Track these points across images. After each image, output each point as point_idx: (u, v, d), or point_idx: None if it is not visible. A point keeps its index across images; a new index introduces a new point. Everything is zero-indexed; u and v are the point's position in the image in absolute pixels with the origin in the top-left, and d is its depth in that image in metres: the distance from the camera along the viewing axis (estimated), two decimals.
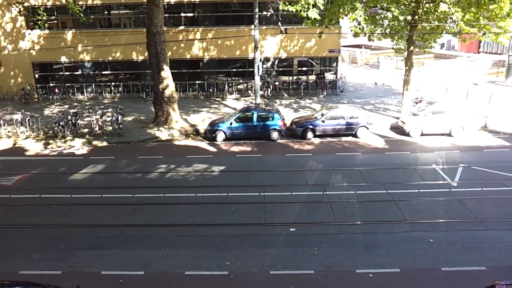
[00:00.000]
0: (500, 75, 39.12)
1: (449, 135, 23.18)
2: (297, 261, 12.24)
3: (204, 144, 23.09)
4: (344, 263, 12.10)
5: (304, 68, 34.49)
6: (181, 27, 32.64)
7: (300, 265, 12.04)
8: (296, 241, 13.33)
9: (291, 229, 14.00)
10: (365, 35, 25.62)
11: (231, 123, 23.05)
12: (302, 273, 11.68)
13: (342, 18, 25.58)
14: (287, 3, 24.21)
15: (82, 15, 24.29)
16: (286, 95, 33.26)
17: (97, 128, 24.16)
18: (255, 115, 23.20)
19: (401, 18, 23.28)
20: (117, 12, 33.50)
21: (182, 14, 32.79)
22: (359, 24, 24.24)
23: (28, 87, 32.43)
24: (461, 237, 13.32)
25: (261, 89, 30.21)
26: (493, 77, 39.50)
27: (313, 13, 22.87)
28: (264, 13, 32.16)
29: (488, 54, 49.57)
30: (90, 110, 27.68)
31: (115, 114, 24.99)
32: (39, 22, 25.83)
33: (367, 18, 23.30)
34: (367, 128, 23.47)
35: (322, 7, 23.30)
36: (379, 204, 15.62)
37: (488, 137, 23.32)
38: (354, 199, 16.05)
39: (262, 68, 30.40)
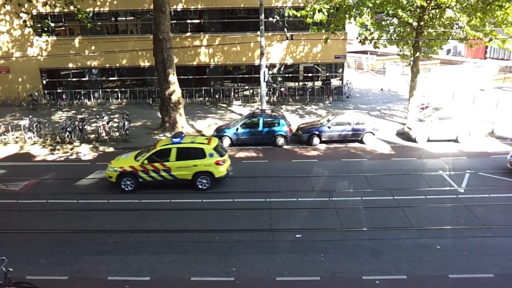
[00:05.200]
0: (507, 81, 38.96)
1: (456, 141, 23.07)
2: (303, 267, 12.20)
3: None
4: (351, 270, 12.05)
5: (310, 74, 34.52)
6: (188, 34, 32.82)
7: (306, 271, 12.00)
8: (302, 247, 13.30)
9: (297, 235, 13.97)
10: (370, 42, 25.59)
11: (237, 129, 23.09)
12: (308, 279, 11.64)
13: (350, 23, 25.62)
14: (292, 9, 24.30)
15: (90, 20, 24.47)
16: (292, 101, 33.29)
17: (104, 134, 24.29)
18: (261, 121, 23.22)
19: (410, 21, 23.23)
20: (124, 18, 33.75)
21: (189, 21, 32.98)
22: (367, 29, 24.26)
23: (36, 93, 32.71)
24: (468, 244, 13.23)
25: (267, 95, 30.26)
26: (500, 83, 39.28)
27: (319, 16, 22.90)
28: (270, 19, 32.28)
29: (495, 60, 49.40)
30: (97, 116, 27.82)
31: (122, 120, 25.13)
32: (45, 32, 26.17)
33: (373, 23, 23.32)
34: (373, 134, 23.41)
35: (327, 13, 23.34)
36: (386, 210, 15.56)
37: (495, 143, 23.18)
38: (360, 205, 16.00)
39: (268, 74, 30.48)
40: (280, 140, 23.10)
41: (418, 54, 24.88)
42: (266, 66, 27.58)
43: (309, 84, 34.31)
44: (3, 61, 32.71)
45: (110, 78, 34.20)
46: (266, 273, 11.97)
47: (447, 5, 21.67)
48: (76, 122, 24.74)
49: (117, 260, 12.74)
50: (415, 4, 22.09)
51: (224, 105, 32.42)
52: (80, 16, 23.37)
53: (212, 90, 33.52)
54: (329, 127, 23.18)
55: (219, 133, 23.34)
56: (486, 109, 25.77)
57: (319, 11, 22.92)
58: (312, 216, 15.27)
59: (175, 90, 25.22)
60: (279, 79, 34.22)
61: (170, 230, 14.46)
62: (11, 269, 10.13)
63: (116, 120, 26.80)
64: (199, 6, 32.11)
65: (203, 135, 18.52)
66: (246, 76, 34.05)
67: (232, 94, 33.49)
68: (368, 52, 52.59)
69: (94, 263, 12.61)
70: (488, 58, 52.10)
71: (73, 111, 30.97)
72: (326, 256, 12.72)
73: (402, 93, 35.47)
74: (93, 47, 32.51)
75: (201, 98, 33.56)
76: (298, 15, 23.56)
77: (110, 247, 13.50)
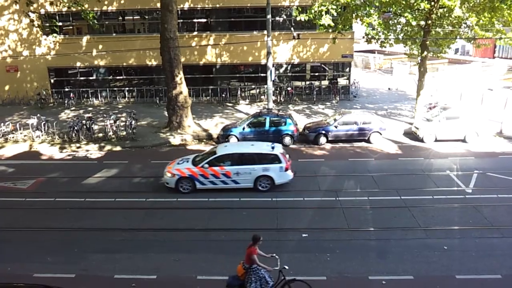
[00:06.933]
0: None
1: (464, 141, 22.92)
2: (310, 267, 12.18)
3: None
4: (357, 270, 12.02)
5: (317, 73, 34.42)
6: (195, 33, 32.85)
7: (312, 271, 11.98)
8: (308, 247, 13.29)
9: (304, 235, 13.96)
10: (377, 42, 25.46)
11: (243, 128, 23.09)
12: (314, 279, 11.58)
13: (356, 22, 25.56)
14: (300, 9, 24.25)
15: (96, 21, 24.56)
16: (298, 101, 33.22)
17: (111, 133, 24.40)
18: (267, 120, 23.20)
19: (414, 23, 23.11)
20: (131, 18, 33.88)
21: (196, 20, 33.02)
22: (373, 29, 24.16)
23: (44, 92, 32.89)
24: (476, 244, 13.14)
25: (273, 94, 30.21)
26: (509, 82, 38.91)
27: (327, 20, 22.90)
28: (277, 18, 32.23)
29: (504, 59, 48.91)
30: (104, 115, 27.97)
31: (129, 119, 25.22)
32: (53, 32, 26.33)
33: (381, 22, 23.21)
34: (380, 134, 23.31)
35: (335, 13, 23.28)
36: (392, 210, 15.50)
37: (504, 143, 23.01)
38: (367, 205, 15.95)
39: (275, 73, 30.41)
40: (287, 140, 23.06)
41: (425, 53, 24.72)
42: (273, 65, 27.52)
43: (316, 83, 34.19)
44: (11, 60, 32.93)
45: (118, 77, 34.33)
46: None
47: (452, 7, 21.51)
48: (84, 121, 24.87)
49: (123, 259, 12.80)
50: (422, 5, 21.97)
51: (231, 104, 32.42)
52: (86, 16, 23.46)
53: (218, 89, 33.55)
54: (335, 127, 23.12)
55: (226, 132, 23.37)
56: (494, 108, 25.57)
57: (326, 12, 22.86)
58: (318, 216, 15.25)
59: (182, 89, 25.25)
60: (286, 78, 34.17)
61: (176, 229, 14.50)
62: (286, 267, 10.33)
63: (123, 119, 26.91)
64: (206, 5, 32.13)
65: None
66: (253, 75, 34.04)
67: (239, 93, 33.49)
68: (375, 52, 52.32)
69: (101, 261, 12.68)
70: (497, 57, 51.65)
71: (81, 110, 31.11)
72: (333, 255, 12.70)
73: (410, 92, 35.28)
74: (100, 46, 32.64)
75: (208, 97, 33.59)
76: (306, 18, 23.56)
77: (116, 246, 13.57)
